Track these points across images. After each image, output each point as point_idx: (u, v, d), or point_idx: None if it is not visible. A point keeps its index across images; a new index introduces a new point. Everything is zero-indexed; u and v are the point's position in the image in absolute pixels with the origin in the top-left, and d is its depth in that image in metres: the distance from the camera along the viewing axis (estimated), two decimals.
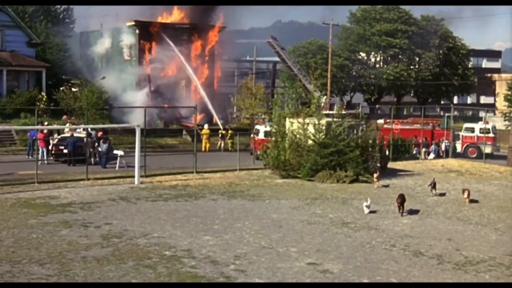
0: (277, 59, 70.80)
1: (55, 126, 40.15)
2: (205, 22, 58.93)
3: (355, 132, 31.19)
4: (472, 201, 24.32)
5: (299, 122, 30.85)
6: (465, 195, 24.29)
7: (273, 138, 32.10)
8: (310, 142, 30.07)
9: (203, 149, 45.02)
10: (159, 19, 58.48)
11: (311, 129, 30.22)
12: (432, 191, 25.60)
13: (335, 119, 30.83)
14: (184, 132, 52.49)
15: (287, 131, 31.48)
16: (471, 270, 15.51)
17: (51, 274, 14.31)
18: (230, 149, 46.55)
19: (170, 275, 14.43)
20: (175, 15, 59.19)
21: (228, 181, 29.07)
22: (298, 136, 30.69)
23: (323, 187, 27.66)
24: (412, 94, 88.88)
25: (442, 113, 79.41)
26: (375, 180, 28.07)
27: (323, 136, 29.70)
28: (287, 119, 32.22)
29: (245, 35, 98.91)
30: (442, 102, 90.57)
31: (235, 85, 74.46)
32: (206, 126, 47.85)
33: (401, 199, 21.79)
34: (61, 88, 51.43)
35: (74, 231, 18.47)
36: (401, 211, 21.73)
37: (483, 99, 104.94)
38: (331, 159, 28.82)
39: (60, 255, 15.86)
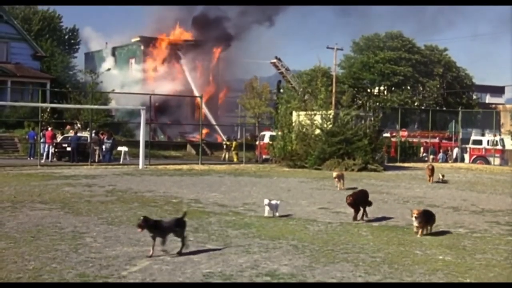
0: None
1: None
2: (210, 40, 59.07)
3: (363, 122, 30.72)
4: None
5: (307, 113, 30.42)
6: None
7: (279, 132, 31.65)
8: (317, 131, 29.60)
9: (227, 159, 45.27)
10: (164, 36, 58.63)
11: (318, 118, 29.79)
12: None
13: (342, 108, 30.45)
14: (188, 146, 51.98)
15: (293, 124, 31.03)
16: (489, 215, 14.92)
17: (54, 208, 13.78)
18: (235, 160, 45.93)
19: (177, 212, 13.81)
20: (179, 31, 59.44)
21: (234, 168, 28.63)
22: (305, 126, 30.21)
23: (331, 173, 26.99)
24: (416, 125, 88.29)
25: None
26: (335, 179, 20.56)
27: (331, 125, 29.25)
28: (293, 112, 31.80)
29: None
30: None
31: (238, 116, 73.31)
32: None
33: (353, 199, 13.29)
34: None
35: (77, 188, 17.98)
36: (356, 214, 13.38)
37: (488, 134, 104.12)
38: (339, 147, 28.31)
39: (64, 199, 15.33)
